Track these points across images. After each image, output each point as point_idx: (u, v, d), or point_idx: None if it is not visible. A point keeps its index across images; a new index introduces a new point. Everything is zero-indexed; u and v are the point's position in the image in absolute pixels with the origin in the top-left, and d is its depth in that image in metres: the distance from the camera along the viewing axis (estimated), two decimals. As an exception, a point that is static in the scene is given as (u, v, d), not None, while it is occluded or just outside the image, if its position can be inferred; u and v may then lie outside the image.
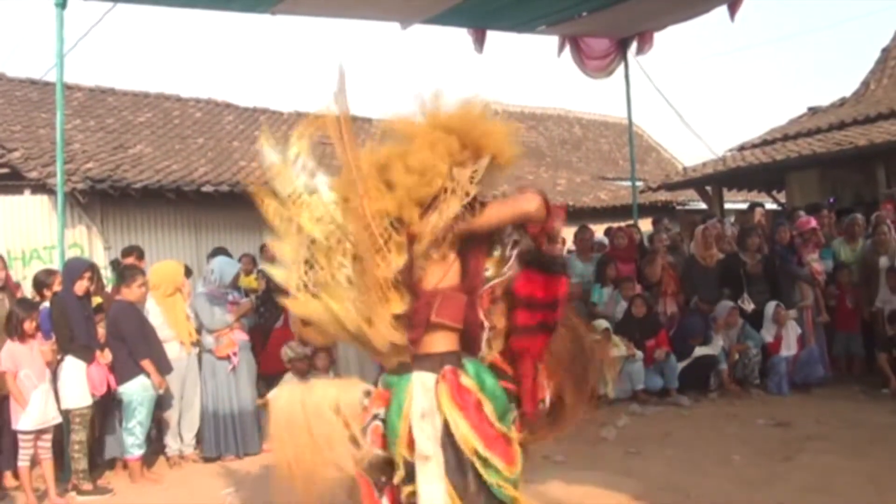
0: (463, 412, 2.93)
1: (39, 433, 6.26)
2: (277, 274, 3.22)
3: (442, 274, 3.05)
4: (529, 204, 3.05)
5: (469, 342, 3.11)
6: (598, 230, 11.30)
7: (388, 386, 3.12)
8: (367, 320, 3.04)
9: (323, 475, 3.10)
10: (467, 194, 2.96)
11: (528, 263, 3.11)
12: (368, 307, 3.03)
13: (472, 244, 3.09)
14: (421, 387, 2.98)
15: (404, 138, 3.07)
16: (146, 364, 6.78)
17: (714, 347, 8.83)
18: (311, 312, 3.14)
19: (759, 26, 56.48)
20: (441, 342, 3.04)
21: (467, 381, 2.98)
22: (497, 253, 3.17)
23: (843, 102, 16.63)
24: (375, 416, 3.09)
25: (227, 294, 7.51)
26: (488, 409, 2.95)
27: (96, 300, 7.18)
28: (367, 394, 3.17)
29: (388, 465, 3.08)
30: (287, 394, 3.27)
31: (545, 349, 3.13)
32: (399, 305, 3.04)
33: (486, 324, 3.08)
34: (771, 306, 8.99)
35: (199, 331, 7.53)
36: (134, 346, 6.78)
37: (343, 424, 3.11)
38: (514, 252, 3.12)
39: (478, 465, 2.89)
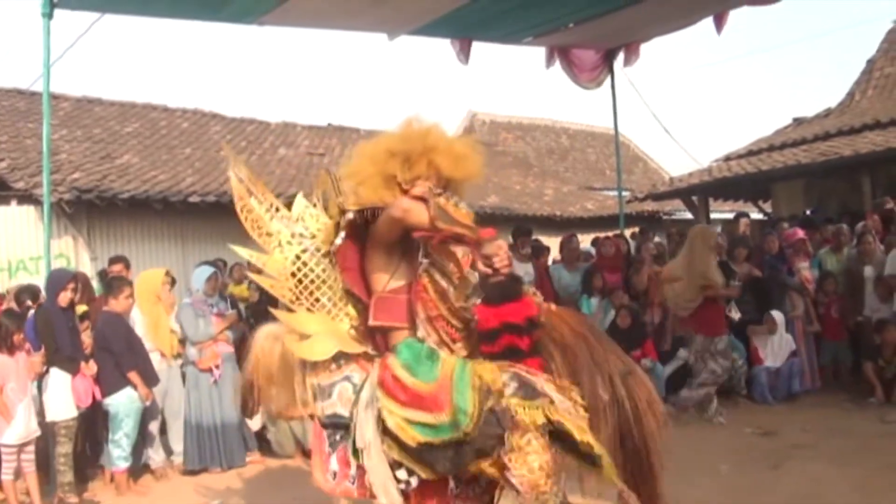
0: (382, 387, 2.99)
1: (22, 446, 6.22)
2: (266, 283, 3.36)
3: (388, 279, 3.15)
4: (395, 210, 2.97)
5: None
6: (586, 240, 11.33)
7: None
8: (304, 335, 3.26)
9: (280, 401, 3.37)
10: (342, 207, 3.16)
11: (481, 296, 3.08)
12: (326, 323, 3.28)
13: (409, 243, 3.13)
14: (370, 379, 3.10)
15: (357, 162, 3.24)
16: (133, 376, 6.74)
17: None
18: (304, 325, 3.26)
19: (745, 37, 56.86)
20: (398, 340, 3.13)
21: (392, 359, 3.03)
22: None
23: (828, 113, 16.75)
24: (347, 378, 3.17)
25: (212, 306, 7.49)
26: (402, 374, 2.96)
27: (81, 308, 7.16)
28: (344, 356, 3.24)
29: (346, 427, 3.16)
30: (271, 328, 3.47)
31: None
32: (355, 317, 3.29)
33: (420, 312, 3.08)
34: (772, 315, 8.99)
35: (182, 342, 7.52)
36: (121, 357, 6.75)
37: (305, 374, 3.27)
38: (424, 263, 3.09)
39: (404, 428, 2.89)
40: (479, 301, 3.06)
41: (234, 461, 7.39)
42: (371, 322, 3.14)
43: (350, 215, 3.10)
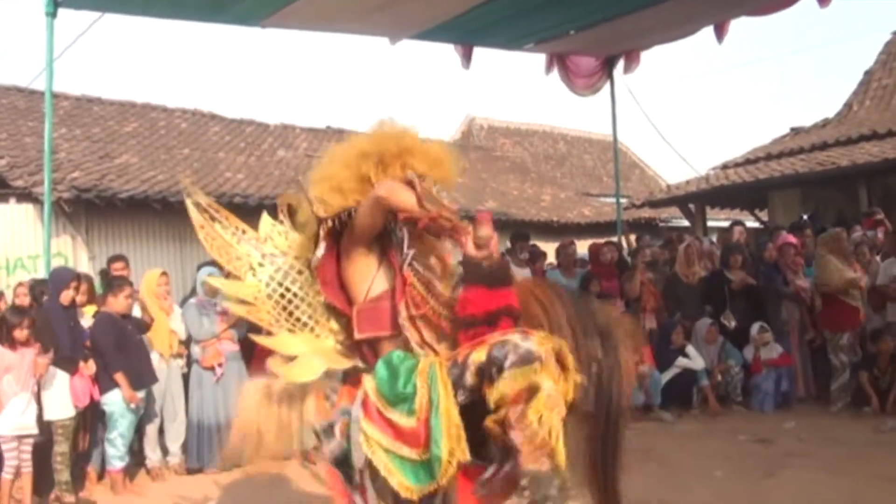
0: (363, 408, 2.91)
1: (20, 440, 6.20)
2: (242, 310, 3.36)
3: (368, 285, 3.09)
4: (380, 189, 2.93)
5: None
6: (582, 246, 11.35)
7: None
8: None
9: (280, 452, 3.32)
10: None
11: (467, 279, 2.96)
12: (310, 342, 3.23)
13: (387, 244, 3.09)
14: (357, 397, 3.03)
15: (328, 166, 3.19)
16: (119, 377, 6.70)
17: (696, 362, 8.88)
18: (288, 347, 3.23)
19: (743, 46, 56.99)
20: (387, 349, 3.06)
21: (368, 382, 2.95)
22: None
23: (825, 123, 16.82)
24: (344, 412, 3.09)
25: (216, 304, 7.51)
26: (379, 402, 2.88)
27: (92, 308, 7.15)
28: (334, 391, 3.21)
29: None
30: (255, 385, 3.40)
31: None
32: (339, 331, 3.23)
33: (402, 311, 2.99)
34: (755, 328, 9.05)
35: (184, 342, 7.55)
36: (109, 358, 6.72)
37: (304, 416, 3.22)
38: (409, 254, 2.99)
39: (384, 461, 2.81)
40: (468, 285, 2.93)
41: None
42: (357, 335, 3.08)
43: (329, 223, 3.04)
